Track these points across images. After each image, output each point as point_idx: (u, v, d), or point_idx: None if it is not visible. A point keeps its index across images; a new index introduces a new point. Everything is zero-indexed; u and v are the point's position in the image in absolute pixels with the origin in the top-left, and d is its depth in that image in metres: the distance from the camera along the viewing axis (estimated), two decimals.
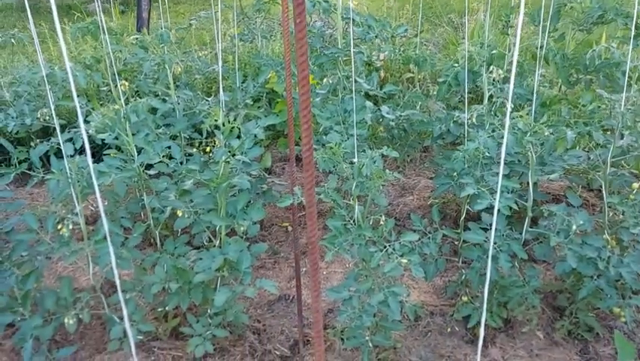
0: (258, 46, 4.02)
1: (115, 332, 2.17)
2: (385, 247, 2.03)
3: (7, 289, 2.10)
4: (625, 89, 2.49)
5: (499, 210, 2.17)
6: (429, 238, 2.31)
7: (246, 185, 2.18)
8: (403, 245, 2.05)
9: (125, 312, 1.15)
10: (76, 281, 2.77)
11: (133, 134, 2.39)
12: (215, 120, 2.14)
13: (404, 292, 2.04)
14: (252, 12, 3.84)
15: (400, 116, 3.13)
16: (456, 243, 2.91)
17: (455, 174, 2.60)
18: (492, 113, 2.74)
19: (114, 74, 2.73)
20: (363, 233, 2.04)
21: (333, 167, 2.16)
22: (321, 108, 2.67)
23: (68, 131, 2.69)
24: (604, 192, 2.52)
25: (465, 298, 2.47)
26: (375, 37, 3.00)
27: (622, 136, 2.52)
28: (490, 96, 2.76)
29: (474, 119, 2.68)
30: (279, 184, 3.50)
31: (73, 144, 2.42)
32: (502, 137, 2.34)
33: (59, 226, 2.16)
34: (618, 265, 2.15)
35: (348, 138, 2.43)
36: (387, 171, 2.11)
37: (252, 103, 3.18)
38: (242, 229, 2.14)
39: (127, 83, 2.71)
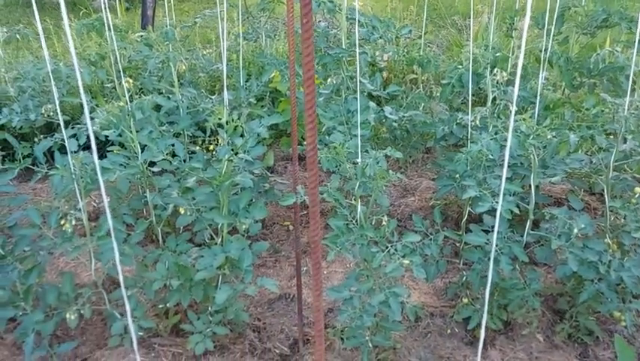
0: (262, 45, 4.03)
1: (116, 328, 2.18)
2: (387, 247, 2.04)
3: (9, 284, 2.11)
4: (629, 93, 2.49)
5: (501, 212, 2.17)
6: (430, 239, 2.31)
7: (248, 183, 2.19)
8: (404, 246, 2.05)
9: (127, 308, 1.16)
10: (78, 277, 2.78)
11: (137, 131, 2.40)
12: (219, 119, 2.15)
13: (405, 292, 2.05)
14: (256, 11, 3.85)
15: (403, 117, 3.13)
16: (457, 245, 2.91)
17: (457, 175, 2.60)
18: (495, 115, 2.75)
19: (119, 71, 2.74)
20: (366, 233, 2.04)
21: (336, 167, 2.17)
22: (325, 108, 2.67)
23: (72, 128, 2.69)
24: (606, 196, 2.52)
25: (465, 300, 2.47)
26: (380, 37, 3.00)
27: (625, 140, 2.52)
28: (494, 98, 2.77)
29: (477, 122, 2.68)
30: (280, 183, 3.50)
31: (77, 140, 2.42)
32: (505, 139, 2.34)
33: (62, 222, 2.17)
34: (619, 269, 2.15)
35: (351, 138, 2.43)
36: (390, 171, 2.11)
37: (255, 102, 3.19)
38: (244, 227, 2.14)
39: (131, 81, 2.71)
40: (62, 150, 2.29)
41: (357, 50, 2.33)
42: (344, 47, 2.90)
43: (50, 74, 2.16)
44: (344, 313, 2.03)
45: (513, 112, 1.00)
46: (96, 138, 2.90)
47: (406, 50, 3.69)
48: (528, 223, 2.32)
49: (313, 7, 2.86)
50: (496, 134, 2.45)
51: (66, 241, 2.15)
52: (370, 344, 2.11)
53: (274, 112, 3.48)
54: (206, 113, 2.89)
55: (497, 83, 2.72)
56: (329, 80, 2.92)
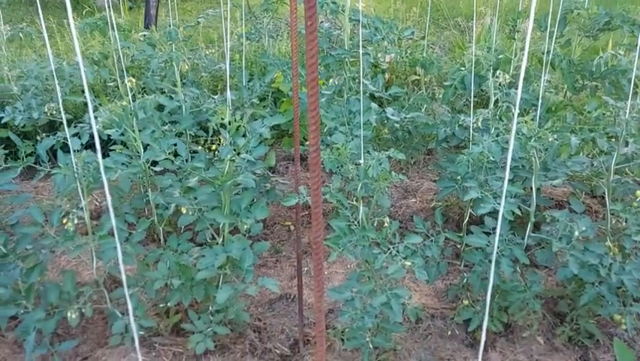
0: (264, 45, 4.03)
1: (117, 327, 2.18)
2: (389, 248, 2.04)
3: (11, 282, 2.11)
4: (630, 96, 2.49)
5: (502, 214, 2.17)
6: (431, 240, 2.31)
7: (250, 183, 2.19)
8: (406, 247, 2.05)
9: (129, 307, 1.16)
10: (80, 275, 2.78)
11: (139, 131, 2.40)
12: (222, 119, 2.15)
13: (407, 294, 2.05)
14: (259, 11, 3.85)
15: (405, 118, 3.13)
16: (458, 246, 2.92)
17: (459, 177, 2.60)
18: (497, 117, 2.75)
19: (121, 71, 2.75)
20: (367, 234, 2.04)
21: (338, 168, 2.17)
22: (327, 109, 2.68)
23: (75, 126, 2.70)
24: (607, 199, 2.52)
25: (466, 302, 2.47)
26: (382, 39, 3.00)
27: (626, 143, 2.52)
28: (496, 101, 2.77)
29: (479, 124, 2.69)
30: (282, 183, 3.51)
31: (80, 138, 2.43)
32: (507, 141, 2.34)
33: (64, 220, 2.17)
34: (620, 272, 2.15)
35: (352, 139, 2.43)
36: (393, 173, 2.12)
37: (257, 102, 3.19)
38: (245, 227, 2.15)
39: (134, 80, 2.72)
40: (65, 148, 2.29)
41: (360, 51, 2.34)
42: (346, 47, 2.90)
43: (54, 72, 2.17)
44: (345, 314, 2.03)
45: (516, 114, 1.01)
46: (99, 137, 2.91)
47: (408, 52, 3.69)
48: (529, 226, 2.32)
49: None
50: (497, 136, 2.45)
51: (68, 240, 2.16)
52: (371, 345, 2.11)
53: (276, 112, 3.48)
54: (208, 113, 2.89)
55: (499, 85, 2.72)
56: (331, 80, 2.92)
